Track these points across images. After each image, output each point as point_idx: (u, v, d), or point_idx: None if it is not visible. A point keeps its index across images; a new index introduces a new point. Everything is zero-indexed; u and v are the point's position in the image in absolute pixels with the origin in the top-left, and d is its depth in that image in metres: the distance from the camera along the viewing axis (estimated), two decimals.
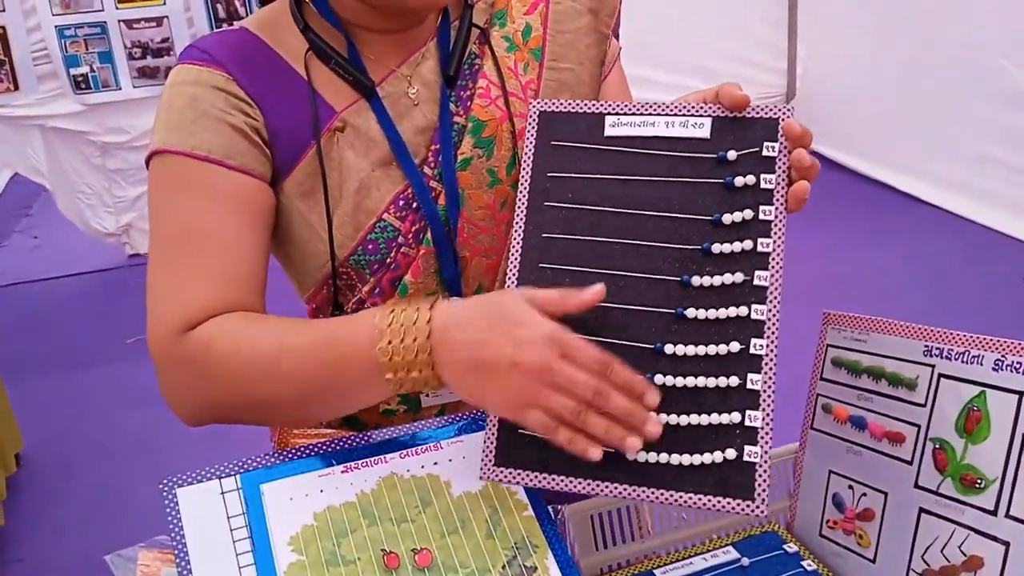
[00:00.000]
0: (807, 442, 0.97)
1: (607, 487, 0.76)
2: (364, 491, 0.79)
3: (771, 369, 0.76)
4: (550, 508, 0.81)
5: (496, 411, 0.76)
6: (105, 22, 4.19)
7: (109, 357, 3.65)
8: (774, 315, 0.76)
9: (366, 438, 0.84)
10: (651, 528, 1.00)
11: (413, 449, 0.83)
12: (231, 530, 0.75)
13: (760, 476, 0.74)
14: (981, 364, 0.80)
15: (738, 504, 0.73)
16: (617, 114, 0.83)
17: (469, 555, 0.76)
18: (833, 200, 4.44)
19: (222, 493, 0.77)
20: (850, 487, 0.91)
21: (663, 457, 0.75)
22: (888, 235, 4.13)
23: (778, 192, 0.78)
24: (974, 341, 0.81)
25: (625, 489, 0.76)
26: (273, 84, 0.92)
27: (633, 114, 0.82)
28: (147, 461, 2.87)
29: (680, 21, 4.82)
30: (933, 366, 0.84)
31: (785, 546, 0.94)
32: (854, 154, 4.71)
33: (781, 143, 0.79)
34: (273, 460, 0.80)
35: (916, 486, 0.84)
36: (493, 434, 0.79)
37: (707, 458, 0.74)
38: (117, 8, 4.19)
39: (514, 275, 0.81)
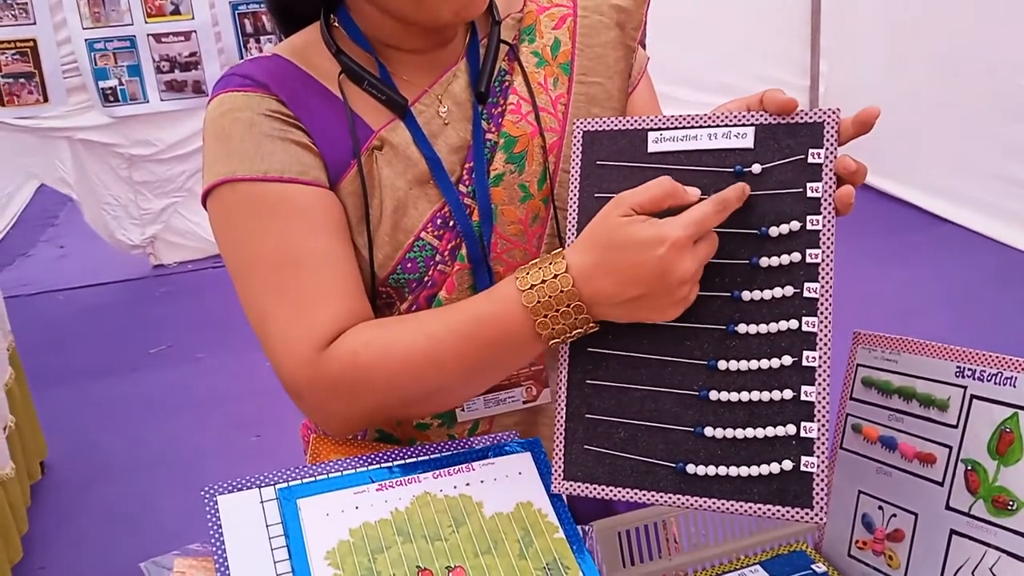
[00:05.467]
0: (836, 462, 0.96)
1: (670, 498, 0.78)
2: (398, 509, 0.79)
3: (824, 381, 0.76)
4: (579, 528, 0.82)
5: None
6: (134, 36, 4.27)
7: (133, 366, 3.68)
8: (826, 327, 0.76)
9: (400, 457, 0.85)
10: (680, 546, 1.00)
11: (446, 470, 0.84)
12: (270, 538, 0.76)
13: (818, 485, 0.75)
14: (1014, 386, 0.80)
15: (797, 512, 0.75)
16: (660, 129, 0.82)
17: (502, 574, 0.76)
18: (855, 218, 4.40)
19: (262, 502, 0.78)
20: (880, 507, 0.91)
21: (722, 470, 0.77)
22: (910, 254, 4.12)
23: (825, 200, 0.77)
24: (1006, 363, 0.81)
25: (688, 499, 0.78)
26: (312, 106, 0.92)
27: (676, 128, 0.81)
28: (169, 471, 2.89)
29: (703, 39, 4.83)
30: (965, 387, 0.84)
31: (813, 566, 0.94)
32: (877, 172, 4.67)
33: (827, 149, 0.77)
34: (309, 476, 0.81)
35: (947, 507, 0.83)
36: (560, 450, 0.82)
37: (764, 469, 0.76)
38: (146, 22, 4.25)
39: None
